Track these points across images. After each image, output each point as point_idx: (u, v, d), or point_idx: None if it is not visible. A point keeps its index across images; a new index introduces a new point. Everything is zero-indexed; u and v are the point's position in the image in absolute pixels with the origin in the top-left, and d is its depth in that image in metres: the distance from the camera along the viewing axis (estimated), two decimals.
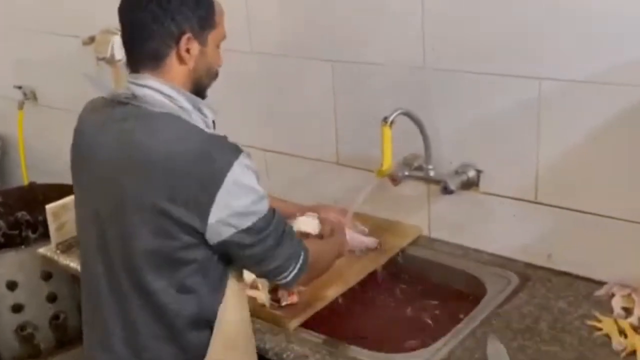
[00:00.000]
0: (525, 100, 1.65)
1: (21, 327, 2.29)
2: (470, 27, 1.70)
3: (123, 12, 1.36)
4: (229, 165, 1.26)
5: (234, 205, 1.28)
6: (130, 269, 1.33)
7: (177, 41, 1.33)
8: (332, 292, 1.68)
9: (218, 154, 1.28)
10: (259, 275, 1.48)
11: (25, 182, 3.11)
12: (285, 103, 2.17)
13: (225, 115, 2.28)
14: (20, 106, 3.12)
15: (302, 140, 2.17)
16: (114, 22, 1.42)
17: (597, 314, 1.55)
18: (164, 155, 1.27)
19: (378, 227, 1.94)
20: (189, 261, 1.32)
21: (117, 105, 1.36)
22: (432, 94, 1.81)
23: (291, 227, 1.44)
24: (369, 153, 1.88)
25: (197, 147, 1.28)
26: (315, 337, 1.56)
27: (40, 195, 2.74)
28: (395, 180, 1.84)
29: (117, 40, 2.36)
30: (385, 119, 1.69)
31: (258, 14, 2.13)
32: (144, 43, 1.33)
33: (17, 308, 2.28)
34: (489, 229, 1.83)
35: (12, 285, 2.25)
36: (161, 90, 1.33)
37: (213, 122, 1.43)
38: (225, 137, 1.34)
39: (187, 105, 1.35)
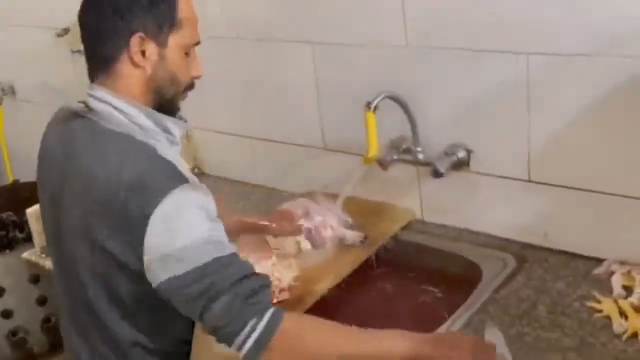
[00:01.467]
0: (514, 76, 1.59)
1: (12, 333, 2.25)
2: (452, 2, 1.63)
3: (79, 15, 1.28)
4: (160, 197, 1.11)
5: (164, 245, 1.12)
6: (84, 295, 1.28)
7: (128, 42, 1.23)
8: (324, 285, 1.63)
9: (152, 183, 1.14)
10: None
11: (10, 180, 3.05)
12: (267, 89, 2.10)
13: (206, 104, 2.25)
14: None
15: (287, 126, 2.11)
16: None
17: (597, 294, 1.50)
18: (103, 185, 1.17)
19: (369, 212, 1.88)
20: (141, 299, 1.24)
21: (75, 118, 1.28)
22: (416, 74, 1.75)
23: (255, 283, 1.15)
24: (356, 136, 1.81)
25: (133, 176, 1.15)
26: None
27: (25, 193, 2.68)
28: (383, 165, 1.79)
29: None
30: (368, 104, 1.63)
31: None
32: (95, 46, 1.25)
33: (6, 314, 2.24)
34: (482, 209, 1.78)
35: (0, 291, 2.21)
36: (113, 104, 1.23)
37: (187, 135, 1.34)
38: (170, 164, 1.19)
39: (145, 122, 1.25)
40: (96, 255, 1.21)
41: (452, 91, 1.71)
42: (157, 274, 1.14)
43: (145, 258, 1.14)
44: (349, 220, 1.78)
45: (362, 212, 1.86)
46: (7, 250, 2.30)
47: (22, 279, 2.23)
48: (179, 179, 1.17)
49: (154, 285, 1.16)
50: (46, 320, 2.29)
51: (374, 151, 1.66)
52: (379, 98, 1.64)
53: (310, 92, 1.98)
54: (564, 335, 1.40)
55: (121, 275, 1.21)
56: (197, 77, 1.34)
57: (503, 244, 1.74)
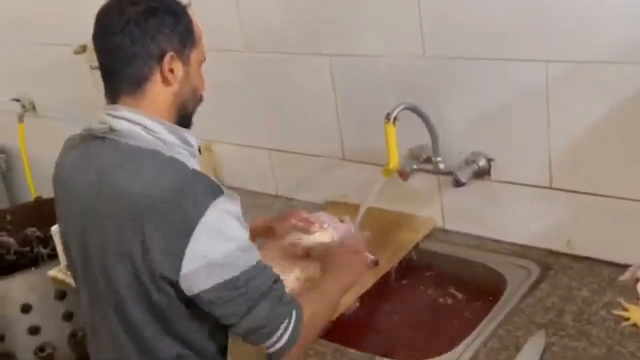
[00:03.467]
0: (533, 84, 1.58)
1: (40, 349, 2.27)
2: (469, 11, 1.63)
3: (98, 38, 1.29)
4: (203, 210, 1.16)
5: (209, 255, 1.17)
6: (120, 314, 1.28)
7: (160, 62, 1.26)
8: (347, 299, 1.60)
9: (192, 197, 1.18)
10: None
11: (33, 196, 3.08)
12: (285, 101, 2.11)
13: (224, 117, 2.27)
14: (20, 119, 3.07)
15: (306, 137, 2.11)
16: None
17: (623, 302, 1.49)
18: (139, 199, 1.19)
19: (390, 222, 1.88)
20: (180, 311, 1.25)
21: (94, 140, 1.29)
22: (434, 83, 1.75)
23: (281, 285, 1.28)
24: (375, 146, 1.82)
25: (171, 189, 1.18)
26: (325, 347, 1.51)
27: (49, 209, 2.70)
28: (404, 175, 1.79)
29: None
30: (388, 116, 1.63)
31: (248, 11, 2.06)
32: (124, 68, 1.26)
33: (33, 330, 2.25)
34: (504, 217, 1.77)
35: (26, 308, 2.23)
36: (140, 122, 1.26)
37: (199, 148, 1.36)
38: (205, 176, 1.23)
39: (169, 137, 1.28)
40: (133, 270, 1.22)
41: (471, 100, 1.71)
42: (200, 282, 1.19)
43: (185, 269, 1.18)
44: (367, 234, 1.76)
45: (383, 222, 1.86)
46: (33, 268, 2.32)
47: (48, 296, 2.25)
48: (217, 190, 1.21)
49: (192, 293, 1.20)
50: (73, 335, 2.30)
51: (394, 163, 1.66)
52: (398, 109, 1.64)
53: (328, 104, 1.99)
54: (591, 344, 1.39)
55: (160, 288, 1.22)
56: (204, 90, 1.39)
57: (526, 252, 1.73)
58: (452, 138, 1.76)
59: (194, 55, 1.32)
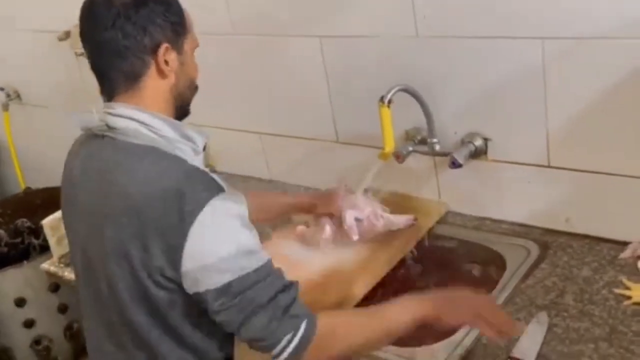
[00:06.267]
0: (529, 62, 1.56)
1: (36, 342, 2.26)
2: None
3: (88, 34, 1.23)
4: (200, 207, 1.12)
5: (205, 256, 1.12)
6: (124, 320, 1.25)
7: (154, 54, 1.22)
8: (361, 289, 1.59)
9: (190, 195, 1.13)
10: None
11: (22, 185, 3.05)
12: (276, 84, 2.07)
13: (216, 101, 2.23)
14: (5, 107, 3.03)
15: (298, 120, 2.08)
16: None
17: (624, 280, 1.48)
18: (137, 198, 1.15)
19: (402, 206, 1.84)
20: (179, 311, 1.22)
21: (94, 139, 1.26)
22: (428, 64, 1.72)
23: (291, 293, 1.18)
24: (369, 129, 1.80)
25: (169, 187, 1.14)
26: None
27: (38, 199, 2.68)
28: (399, 157, 1.76)
29: None
30: (382, 99, 1.60)
31: None
32: (117, 64, 1.21)
33: (29, 323, 2.24)
34: (502, 197, 1.76)
35: (20, 302, 2.22)
36: (138, 119, 1.22)
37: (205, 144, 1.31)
38: (205, 173, 1.19)
39: (169, 133, 1.24)
40: (131, 270, 1.19)
41: (465, 80, 1.68)
42: (196, 284, 1.15)
43: (184, 268, 1.14)
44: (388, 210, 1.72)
45: (393, 206, 1.81)
46: (25, 261, 2.29)
47: (42, 289, 2.23)
48: (216, 188, 1.16)
49: (191, 292, 1.17)
50: (68, 327, 2.29)
51: (390, 146, 1.64)
52: (393, 91, 1.61)
53: (321, 86, 1.96)
54: (593, 324, 1.39)
55: (162, 287, 1.19)
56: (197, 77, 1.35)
57: (524, 231, 1.72)
58: (447, 119, 1.74)
59: (187, 43, 1.27)
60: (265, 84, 2.10)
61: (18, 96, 3.02)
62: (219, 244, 1.14)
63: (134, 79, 1.22)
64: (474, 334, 1.42)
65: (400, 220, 1.69)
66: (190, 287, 1.17)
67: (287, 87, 2.05)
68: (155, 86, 1.24)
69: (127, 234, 1.17)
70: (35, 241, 2.69)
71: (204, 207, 1.12)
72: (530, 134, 1.63)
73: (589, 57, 1.48)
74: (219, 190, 1.16)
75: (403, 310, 1.24)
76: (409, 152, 1.77)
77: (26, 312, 2.23)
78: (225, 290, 1.13)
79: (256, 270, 1.15)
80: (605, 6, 1.42)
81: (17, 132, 3.09)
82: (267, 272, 1.17)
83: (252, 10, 2.01)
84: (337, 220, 1.67)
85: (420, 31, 1.69)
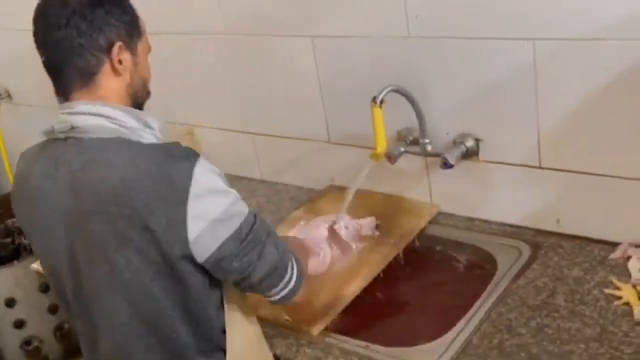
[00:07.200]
0: (520, 63, 1.56)
1: (26, 342, 2.25)
2: None
3: (42, 34, 1.23)
4: (189, 175, 1.17)
5: (210, 214, 1.18)
6: (133, 305, 1.25)
7: (108, 53, 1.23)
8: (352, 290, 1.61)
9: (174, 166, 1.17)
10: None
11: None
12: (268, 84, 2.07)
13: (207, 101, 2.23)
14: None
15: (290, 120, 2.08)
16: None
17: (615, 280, 1.49)
18: (122, 184, 1.16)
19: (393, 208, 1.86)
20: (187, 284, 1.24)
21: (54, 143, 1.24)
22: (420, 64, 1.72)
23: (274, 231, 1.33)
24: (361, 129, 1.79)
25: (151, 167, 1.17)
26: (331, 339, 1.50)
27: None
28: (391, 158, 1.76)
29: None
30: (374, 99, 1.60)
31: None
32: (72, 62, 1.21)
33: (19, 324, 2.23)
34: (494, 198, 1.76)
35: (10, 302, 2.20)
36: (102, 114, 1.22)
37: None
38: (177, 144, 1.24)
39: (132, 122, 1.24)
40: (140, 254, 1.19)
41: (457, 80, 1.68)
42: (208, 244, 1.19)
43: (191, 235, 1.17)
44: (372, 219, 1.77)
45: (386, 208, 1.85)
46: (15, 262, 2.28)
47: (33, 289, 2.22)
48: (194, 154, 1.21)
49: (204, 259, 1.20)
50: (59, 328, 2.28)
51: (381, 146, 1.64)
52: (385, 92, 1.61)
53: (312, 86, 1.95)
54: (584, 325, 1.39)
55: (172, 267, 1.20)
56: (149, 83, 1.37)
57: (515, 232, 1.73)
58: (439, 119, 1.74)
59: (140, 46, 1.29)
60: (258, 84, 2.09)
61: (9, 95, 3.01)
62: (217, 199, 1.20)
63: (89, 76, 1.23)
64: (465, 334, 1.43)
65: (364, 224, 1.74)
66: (201, 253, 1.20)
67: (279, 87, 2.05)
68: (111, 83, 1.25)
69: (121, 221, 1.17)
70: (25, 241, 2.67)
71: (192, 172, 1.17)
72: (521, 135, 1.64)
73: (580, 58, 1.49)
74: (197, 155, 1.21)
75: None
76: (401, 153, 1.77)
77: (16, 313, 2.22)
78: (238, 233, 1.21)
79: (249, 212, 1.25)
80: (596, 7, 1.42)
81: (7, 132, 3.08)
82: (254, 211, 1.27)
83: (244, 11, 2.01)
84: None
85: (412, 31, 1.69)
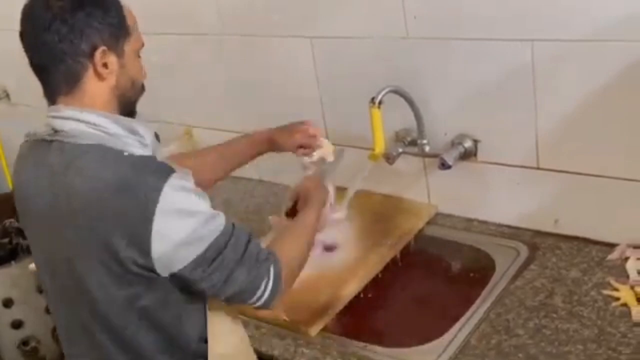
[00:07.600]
0: (518, 64, 1.56)
1: (24, 342, 2.25)
2: None
3: (26, 35, 1.22)
4: (157, 193, 1.13)
5: (174, 235, 1.15)
6: (96, 317, 1.24)
7: (91, 57, 1.20)
8: (350, 290, 1.61)
9: (143, 182, 1.14)
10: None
11: (10, 186, 3.02)
12: (266, 85, 2.07)
13: (205, 102, 2.23)
14: None
15: (288, 121, 2.05)
16: None
17: (612, 281, 1.49)
18: (88, 196, 1.15)
19: (391, 208, 1.87)
20: (153, 297, 1.22)
21: (41, 144, 1.24)
22: (419, 65, 1.72)
23: (255, 242, 1.27)
24: (359, 130, 1.80)
25: (118, 179, 1.15)
26: (329, 339, 1.50)
27: None
28: (390, 159, 1.76)
29: None
30: (373, 100, 1.60)
31: None
32: (56, 67, 1.20)
33: (16, 324, 2.23)
34: (492, 198, 1.76)
35: (8, 302, 2.20)
36: (84, 119, 1.20)
37: (157, 135, 1.30)
38: (152, 159, 1.20)
39: (116, 129, 1.22)
40: (104, 266, 1.18)
41: (455, 81, 1.69)
42: (173, 263, 1.17)
43: (154, 254, 1.15)
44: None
45: (384, 209, 1.84)
46: (13, 262, 2.28)
47: (30, 290, 2.21)
48: (167, 171, 1.17)
49: (167, 274, 1.18)
50: (56, 328, 2.28)
51: (380, 147, 1.64)
52: (383, 92, 1.61)
53: (311, 87, 1.95)
54: (582, 326, 1.39)
55: (136, 276, 1.19)
56: (144, 79, 1.34)
57: (513, 233, 1.73)
58: (437, 120, 1.74)
59: (128, 46, 1.25)
60: (256, 84, 2.09)
61: (7, 96, 3.00)
62: (184, 220, 1.16)
63: (73, 81, 1.21)
64: (463, 335, 1.43)
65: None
66: (164, 270, 1.18)
67: (277, 88, 2.05)
68: (95, 88, 1.23)
69: (86, 233, 1.17)
70: (23, 242, 2.66)
71: (160, 191, 1.14)
72: (519, 135, 1.64)
73: (578, 59, 1.49)
74: (170, 171, 1.17)
75: (309, 211, 1.44)
76: (399, 154, 1.78)
77: (14, 313, 2.22)
78: (201, 259, 1.18)
79: (223, 232, 1.20)
80: (594, 8, 1.42)
81: (5, 132, 3.07)
82: (230, 229, 1.22)
83: (243, 11, 2.01)
84: None
85: (410, 32, 1.69)
